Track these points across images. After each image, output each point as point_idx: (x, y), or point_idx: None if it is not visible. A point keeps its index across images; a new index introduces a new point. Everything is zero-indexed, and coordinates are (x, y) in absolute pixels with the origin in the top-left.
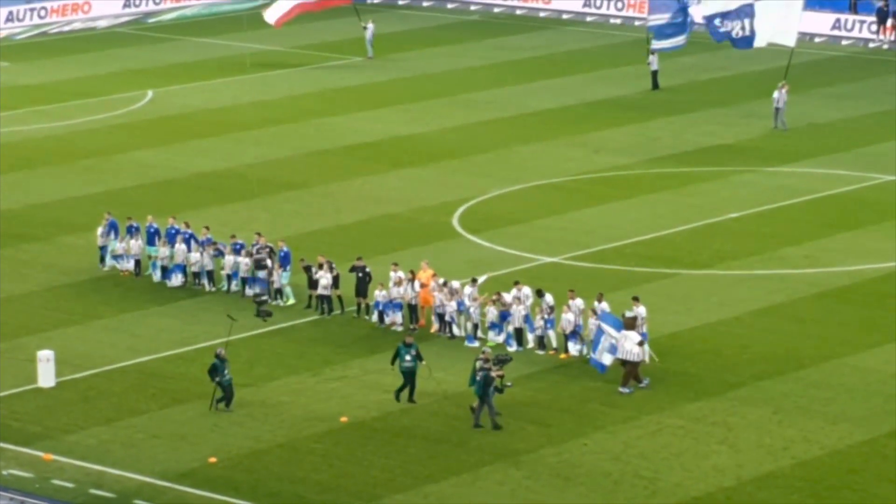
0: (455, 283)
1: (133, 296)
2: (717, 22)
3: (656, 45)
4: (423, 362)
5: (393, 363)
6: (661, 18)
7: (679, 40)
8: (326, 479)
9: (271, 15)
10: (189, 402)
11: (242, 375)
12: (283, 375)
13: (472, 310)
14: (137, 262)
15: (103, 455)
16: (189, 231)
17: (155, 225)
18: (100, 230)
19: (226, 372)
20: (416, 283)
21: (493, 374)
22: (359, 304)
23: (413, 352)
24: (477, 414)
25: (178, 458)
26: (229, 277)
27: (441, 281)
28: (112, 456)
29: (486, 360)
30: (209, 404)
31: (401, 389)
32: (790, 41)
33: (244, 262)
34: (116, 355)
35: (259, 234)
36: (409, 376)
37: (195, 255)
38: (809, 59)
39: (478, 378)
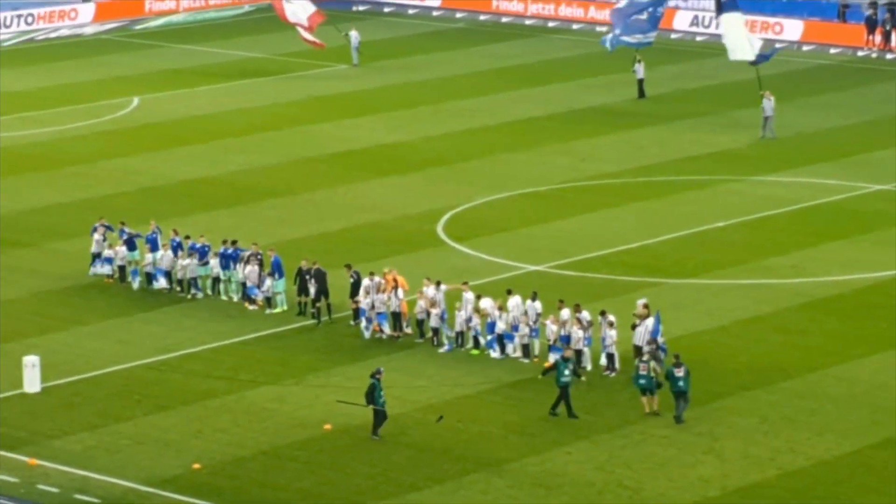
0: (439, 288)
1: (118, 302)
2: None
3: (625, 38)
4: (583, 378)
5: (544, 374)
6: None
7: (649, 37)
8: (309, 487)
9: (303, 32)
10: (173, 408)
11: (226, 382)
12: (267, 382)
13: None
14: (122, 269)
15: (88, 460)
16: (177, 238)
17: (127, 230)
18: (95, 236)
19: (382, 393)
20: (401, 291)
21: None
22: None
23: (571, 366)
24: (679, 411)
25: (163, 464)
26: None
27: (438, 288)
28: (97, 461)
29: (676, 362)
30: (371, 431)
31: (556, 404)
32: (749, 56)
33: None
34: (101, 361)
35: (234, 242)
36: (566, 390)
37: (182, 262)
38: (798, 68)
39: (676, 375)
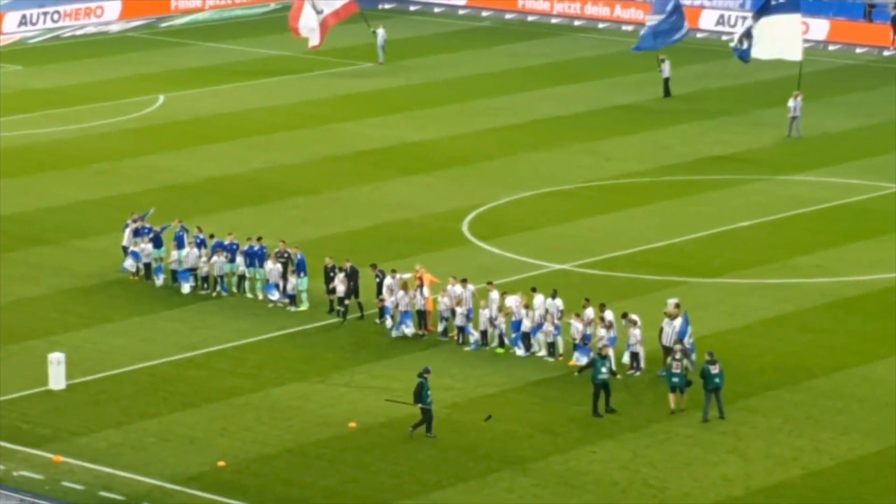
0: (466, 286)
1: (142, 299)
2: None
3: (663, 43)
4: (619, 376)
5: (580, 372)
6: (657, 18)
7: (681, 33)
8: (334, 485)
9: (312, 39)
10: (198, 406)
11: (251, 379)
12: (292, 380)
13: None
14: (147, 266)
15: (113, 458)
16: (201, 235)
17: (148, 226)
18: (127, 232)
19: (429, 393)
20: (426, 289)
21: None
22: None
23: (608, 364)
24: (716, 408)
25: (188, 461)
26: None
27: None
28: (122, 459)
29: (710, 359)
30: (411, 427)
31: (606, 402)
32: (796, 55)
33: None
34: (126, 359)
35: (259, 239)
36: (604, 387)
37: (210, 260)
38: (823, 68)
39: (712, 372)
